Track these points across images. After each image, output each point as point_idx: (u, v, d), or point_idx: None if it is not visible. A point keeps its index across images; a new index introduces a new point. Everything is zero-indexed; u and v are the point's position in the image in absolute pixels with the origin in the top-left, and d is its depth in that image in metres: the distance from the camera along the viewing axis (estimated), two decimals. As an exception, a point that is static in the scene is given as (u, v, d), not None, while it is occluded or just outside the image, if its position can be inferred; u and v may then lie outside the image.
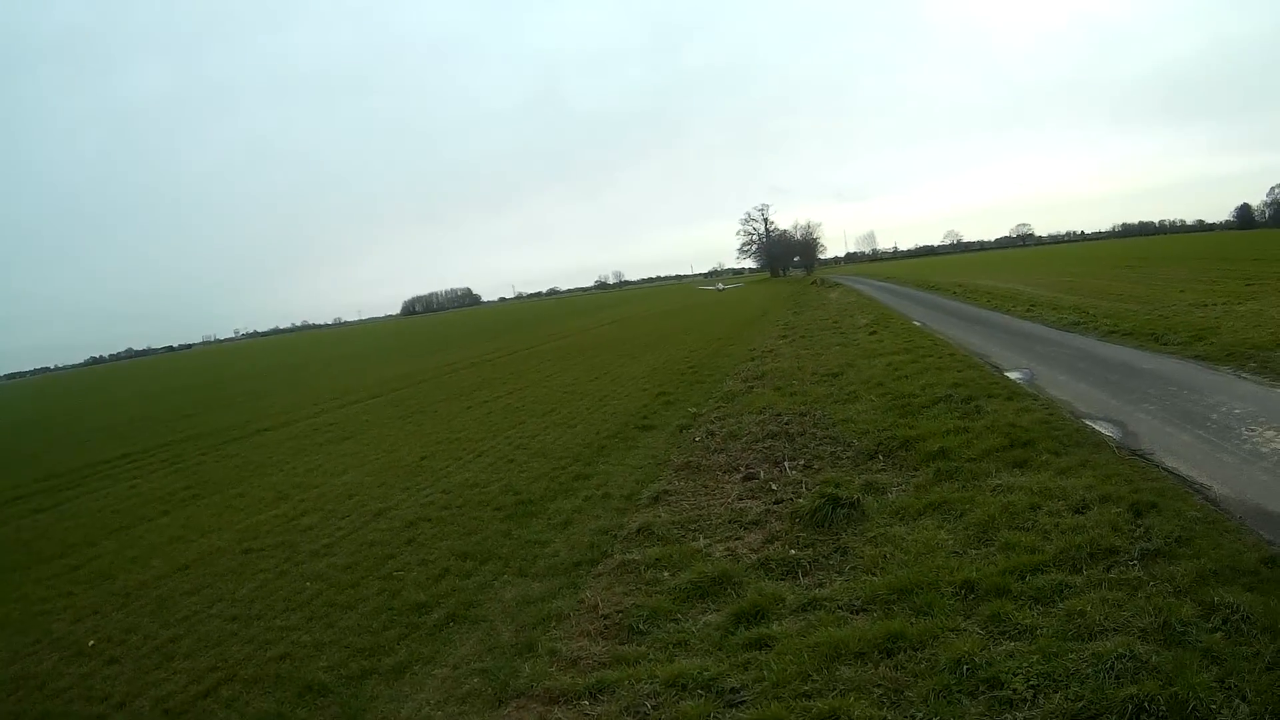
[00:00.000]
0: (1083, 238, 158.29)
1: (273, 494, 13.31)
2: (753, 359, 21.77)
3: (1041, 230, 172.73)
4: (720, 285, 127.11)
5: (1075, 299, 27.47)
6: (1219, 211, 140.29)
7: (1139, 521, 6.44)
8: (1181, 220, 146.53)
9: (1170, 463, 8.01)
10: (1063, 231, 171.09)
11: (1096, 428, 9.78)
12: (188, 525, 12.05)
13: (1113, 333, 18.10)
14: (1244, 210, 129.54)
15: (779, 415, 12.87)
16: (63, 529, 13.12)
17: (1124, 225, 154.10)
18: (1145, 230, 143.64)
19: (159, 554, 10.62)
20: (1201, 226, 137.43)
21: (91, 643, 7.78)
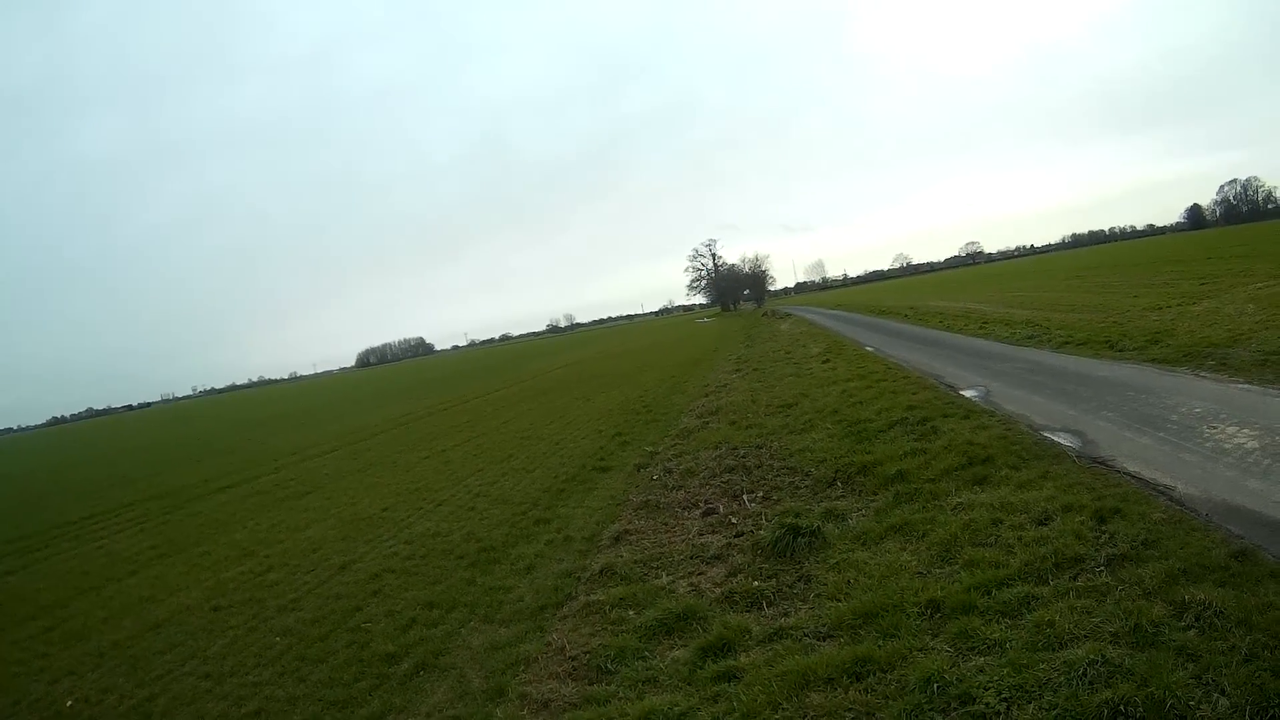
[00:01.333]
0: (1033, 251, 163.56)
1: (238, 551, 13.48)
2: (706, 395, 21.90)
3: (992, 247, 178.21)
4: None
5: (1028, 313, 28.28)
6: (1170, 215, 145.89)
7: (1103, 528, 6.58)
8: (1132, 226, 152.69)
9: (1132, 467, 8.22)
10: (1013, 247, 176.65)
11: (1055, 439, 10.00)
12: (156, 584, 12.17)
13: (1067, 343, 18.64)
14: (1194, 211, 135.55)
15: (735, 449, 12.96)
16: (34, 590, 13.22)
17: (1074, 236, 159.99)
18: (1096, 239, 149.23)
19: (130, 613, 10.79)
20: (1153, 231, 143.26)
21: (70, 703, 7.95)
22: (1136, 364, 14.42)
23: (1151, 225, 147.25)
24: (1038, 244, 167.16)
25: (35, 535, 18.47)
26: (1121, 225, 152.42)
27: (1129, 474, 8.02)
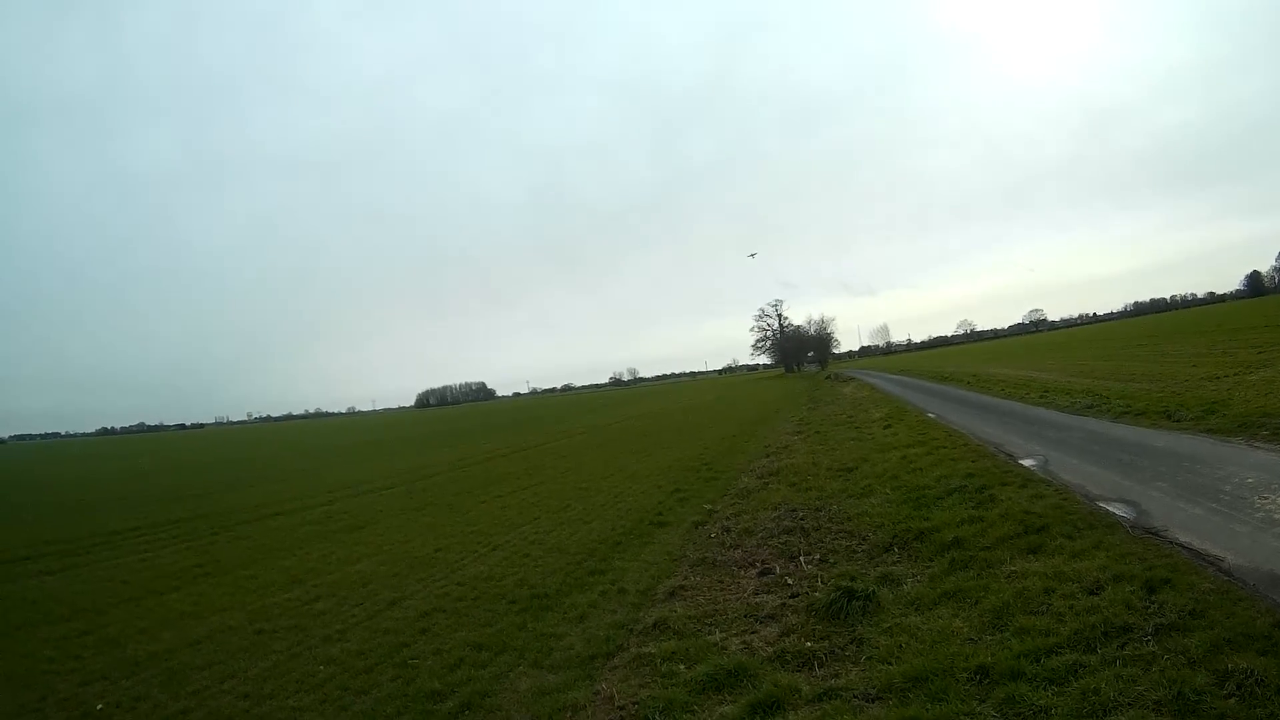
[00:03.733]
0: (1095, 319, 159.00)
1: (286, 577, 13.45)
2: (767, 455, 21.94)
3: (1054, 314, 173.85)
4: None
5: (1088, 382, 27.71)
6: (1230, 281, 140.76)
7: (1152, 598, 6.58)
8: (1192, 293, 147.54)
9: (1183, 538, 8.15)
10: (1075, 314, 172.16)
11: (1110, 509, 9.90)
12: (199, 601, 12.17)
13: (1126, 413, 18.30)
14: (1254, 278, 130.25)
15: (794, 510, 13.04)
16: (71, 594, 13.27)
17: (1135, 303, 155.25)
18: (1157, 307, 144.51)
19: (170, 627, 10.79)
20: (1213, 298, 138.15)
21: (99, 706, 7.96)
22: (1192, 434, 14.15)
23: (1212, 293, 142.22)
24: (1100, 312, 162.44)
25: (76, 540, 18.50)
26: (1182, 292, 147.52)
27: (1180, 544, 7.95)
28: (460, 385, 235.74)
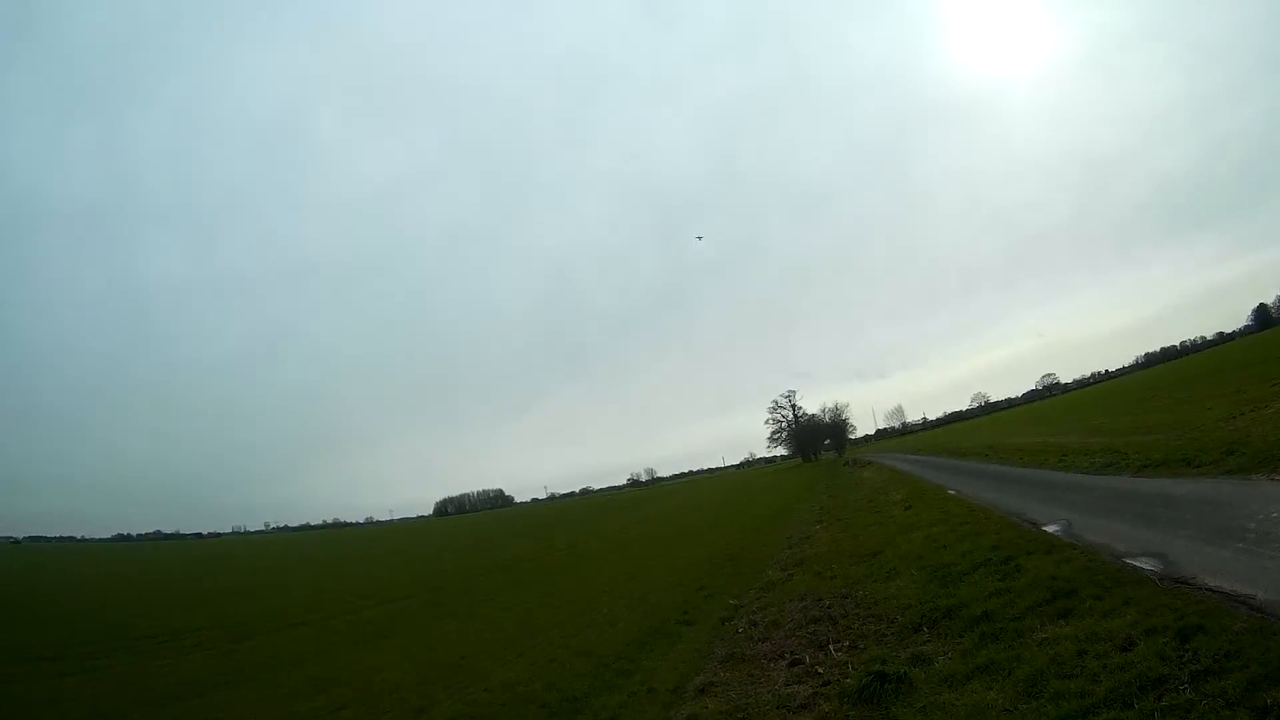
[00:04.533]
0: (1108, 376, 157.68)
1: (310, 685, 13.24)
2: (790, 546, 21.58)
3: (1067, 376, 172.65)
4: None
5: (1105, 440, 27.41)
6: (1238, 317, 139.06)
7: (1186, 646, 6.43)
8: (1201, 336, 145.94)
9: (1213, 582, 7.97)
10: (1088, 374, 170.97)
11: (1137, 564, 9.70)
12: (225, 709, 12.02)
13: (1145, 466, 18.06)
14: (1261, 311, 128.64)
15: (820, 600, 12.80)
16: (92, 696, 13.06)
17: (1146, 355, 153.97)
18: (1167, 355, 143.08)
19: None
20: (1222, 338, 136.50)
21: None
22: (1213, 478, 13.96)
23: (1220, 332, 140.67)
24: (1112, 368, 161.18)
25: (97, 644, 18.24)
26: (1191, 337, 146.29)
27: (1210, 589, 7.78)
28: (478, 493, 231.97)
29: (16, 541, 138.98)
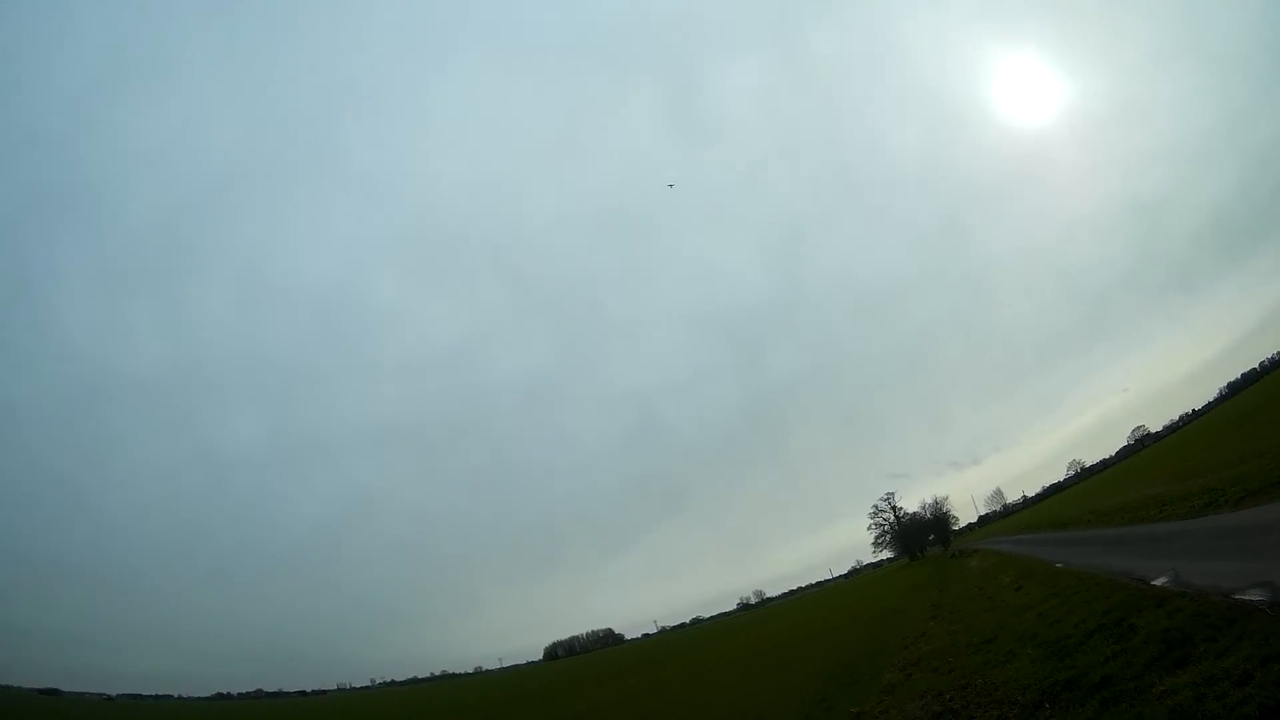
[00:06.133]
0: (1195, 415, 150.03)
1: None
2: (906, 646, 20.86)
3: (1156, 425, 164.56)
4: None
5: (1201, 481, 26.40)
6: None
7: (1301, 668, 6.35)
8: (1277, 351, 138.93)
9: (1321, 601, 7.82)
10: (1176, 417, 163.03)
11: (1247, 598, 9.51)
12: None
13: (1244, 498, 17.47)
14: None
15: (941, 694, 12.52)
16: None
17: (1229, 385, 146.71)
18: (1248, 379, 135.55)
19: None
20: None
21: None
22: (1310, 498, 13.50)
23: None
24: (1198, 406, 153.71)
25: None
26: (1270, 354, 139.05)
27: (1320, 608, 7.64)
28: (587, 634, 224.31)
29: (110, 699, 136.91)
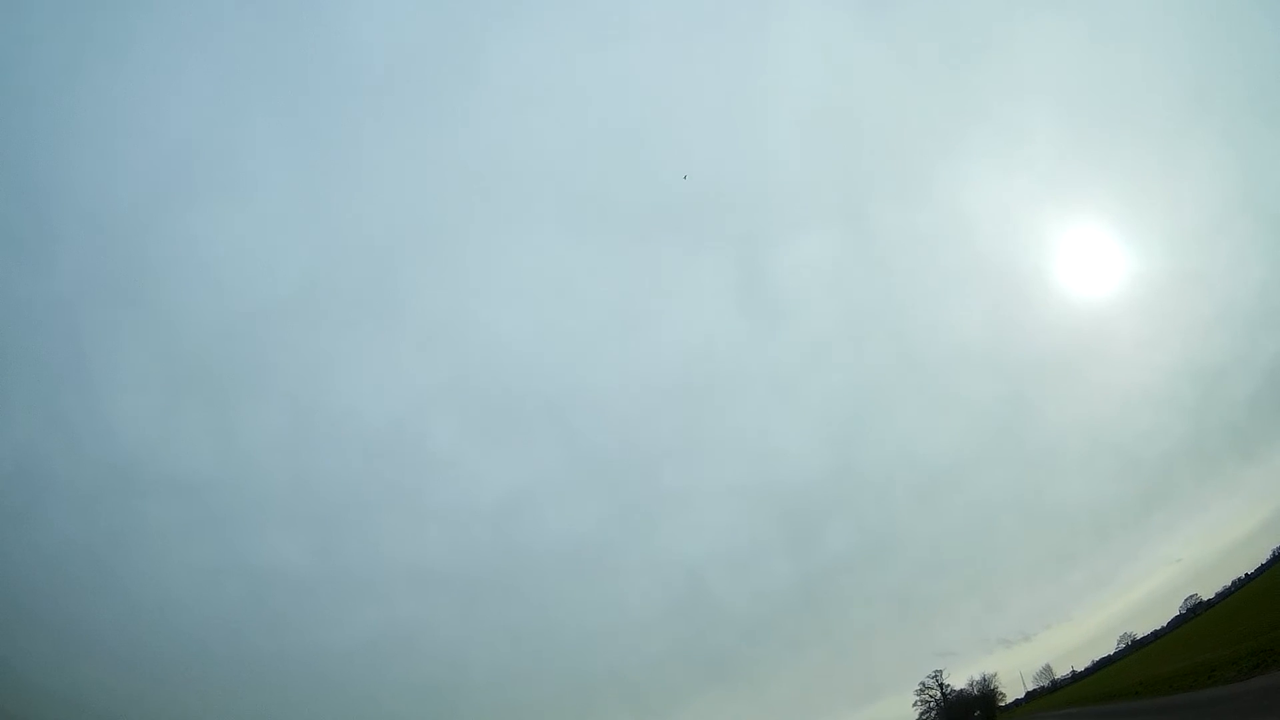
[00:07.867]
0: (1247, 579, 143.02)
1: None
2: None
3: (1208, 592, 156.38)
4: None
5: (1251, 644, 24.68)
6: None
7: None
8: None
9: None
10: (1229, 582, 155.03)
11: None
12: None
13: (1292, 658, 16.02)
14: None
15: None
16: None
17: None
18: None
19: None
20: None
21: None
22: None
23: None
24: (1250, 570, 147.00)
25: None
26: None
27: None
28: None
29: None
